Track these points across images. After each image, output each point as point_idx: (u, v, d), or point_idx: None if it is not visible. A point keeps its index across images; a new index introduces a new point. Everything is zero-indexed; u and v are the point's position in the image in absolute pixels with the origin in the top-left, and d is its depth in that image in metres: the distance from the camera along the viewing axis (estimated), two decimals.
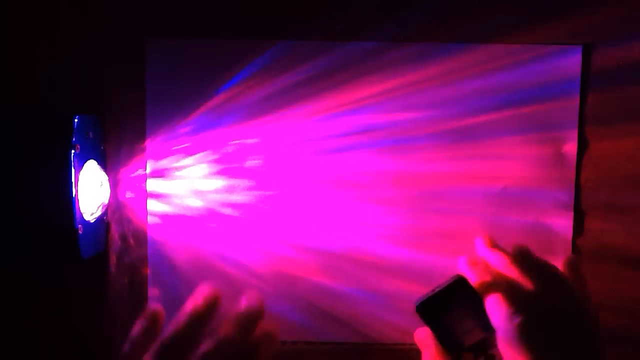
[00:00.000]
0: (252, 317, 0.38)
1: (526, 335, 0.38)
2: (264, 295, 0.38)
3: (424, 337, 0.42)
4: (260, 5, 0.46)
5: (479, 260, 0.42)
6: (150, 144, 0.47)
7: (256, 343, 0.38)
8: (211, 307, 0.38)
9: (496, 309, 0.39)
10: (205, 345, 0.36)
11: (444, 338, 0.41)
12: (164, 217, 0.47)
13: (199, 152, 0.47)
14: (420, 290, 0.47)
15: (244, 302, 0.38)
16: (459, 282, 0.41)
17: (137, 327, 0.38)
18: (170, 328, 0.37)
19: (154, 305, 0.39)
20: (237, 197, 0.47)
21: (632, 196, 0.47)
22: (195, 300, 0.38)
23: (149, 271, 0.47)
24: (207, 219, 0.47)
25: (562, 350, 0.38)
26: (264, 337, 0.38)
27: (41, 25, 0.46)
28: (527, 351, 0.38)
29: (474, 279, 0.41)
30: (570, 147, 0.46)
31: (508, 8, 0.46)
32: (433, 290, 0.41)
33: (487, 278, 0.40)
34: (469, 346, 0.41)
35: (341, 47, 0.46)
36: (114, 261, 0.48)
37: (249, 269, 0.47)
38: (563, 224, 0.47)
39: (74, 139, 0.41)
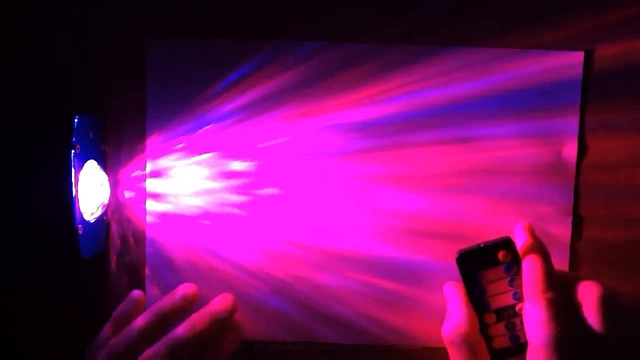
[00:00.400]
0: (226, 315, 0.42)
1: (553, 311, 0.38)
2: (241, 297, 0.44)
3: (452, 290, 0.43)
4: (262, 5, 0.46)
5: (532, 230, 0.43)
6: (150, 144, 0.47)
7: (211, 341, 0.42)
8: (188, 302, 0.43)
9: (532, 276, 0.40)
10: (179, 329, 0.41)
11: (473, 295, 0.42)
12: (163, 217, 0.47)
13: (198, 152, 0.47)
14: (420, 291, 0.47)
15: (219, 301, 0.43)
16: (506, 242, 0.42)
17: (118, 311, 0.43)
18: (145, 315, 0.42)
19: (137, 292, 0.44)
20: (237, 198, 0.47)
21: (631, 202, 0.47)
22: (174, 293, 0.43)
23: (147, 271, 0.48)
24: (207, 219, 0.47)
25: (586, 338, 0.38)
26: (224, 334, 0.43)
27: (41, 25, 0.46)
28: (551, 327, 0.38)
29: (524, 240, 0.41)
30: (570, 153, 0.46)
31: (509, 12, 0.46)
32: (478, 245, 0.42)
33: (537, 246, 0.41)
34: (495, 309, 0.42)
35: (343, 48, 0.46)
36: (113, 261, 0.48)
37: (248, 269, 0.47)
38: (562, 229, 0.47)
39: (74, 139, 0.41)
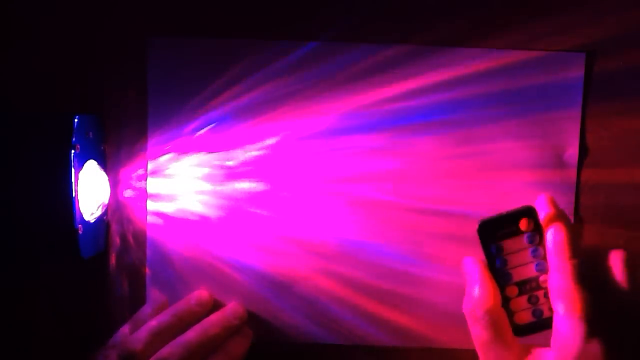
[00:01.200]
0: (236, 320, 0.45)
1: (579, 278, 0.37)
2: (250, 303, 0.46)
3: (472, 264, 0.41)
4: (263, 4, 0.46)
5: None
6: (150, 143, 0.47)
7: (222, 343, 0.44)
8: (203, 308, 0.46)
9: (556, 243, 0.39)
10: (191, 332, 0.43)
11: (494, 267, 0.41)
12: (163, 217, 0.47)
13: (199, 152, 0.47)
14: (421, 291, 0.47)
15: (230, 307, 0.46)
16: (528, 211, 0.40)
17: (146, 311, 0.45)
18: (161, 317, 0.44)
19: (160, 295, 0.47)
20: (238, 197, 0.47)
21: (632, 202, 0.47)
22: (189, 298, 0.46)
23: (147, 271, 0.48)
24: (207, 218, 0.47)
25: (612, 310, 0.37)
26: (234, 339, 0.45)
27: (41, 24, 0.46)
28: (577, 295, 0.37)
29: (547, 210, 0.40)
30: (572, 154, 0.46)
31: (511, 12, 0.46)
32: (500, 213, 0.40)
33: (560, 215, 0.40)
34: (517, 281, 0.41)
35: (343, 48, 0.46)
36: (113, 261, 0.48)
37: (249, 270, 0.47)
38: None
39: (74, 139, 0.41)
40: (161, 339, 0.42)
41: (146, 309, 0.46)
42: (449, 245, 0.47)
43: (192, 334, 0.43)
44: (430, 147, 0.47)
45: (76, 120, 0.41)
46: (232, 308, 0.46)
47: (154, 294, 0.47)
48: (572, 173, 0.47)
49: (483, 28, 0.46)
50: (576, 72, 0.46)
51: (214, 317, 0.45)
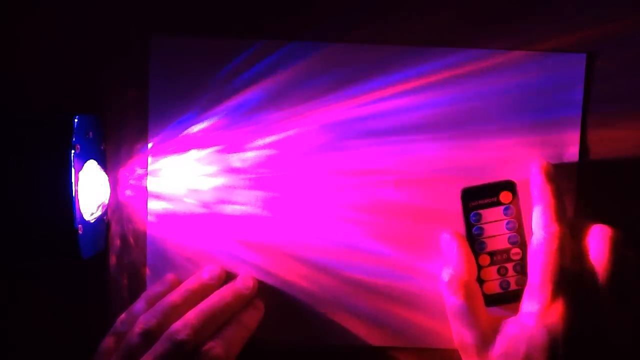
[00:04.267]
0: (248, 292, 0.45)
1: (557, 244, 0.39)
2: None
3: (450, 238, 0.44)
4: (265, 4, 0.46)
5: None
6: (151, 143, 0.47)
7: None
8: (215, 282, 0.45)
9: (540, 210, 0.41)
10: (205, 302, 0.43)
11: (471, 234, 0.44)
12: (164, 216, 0.47)
13: (199, 152, 0.47)
14: (422, 292, 0.47)
15: (240, 280, 0.45)
16: (509, 185, 0.43)
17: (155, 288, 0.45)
18: (175, 293, 0.43)
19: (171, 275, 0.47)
20: (238, 197, 0.47)
21: (633, 203, 0.47)
22: (201, 274, 0.46)
23: (148, 271, 0.48)
24: (208, 218, 0.47)
25: (589, 277, 0.39)
26: (246, 310, 0.45)
27: (41, 24, 0.46)
28: (550, 260, 0.38)
29: (539, 180, 0.42)
30: (572, 154, 0.46)
31: (511, 13, 0.46)
32: (483, 183, 0.44)
33: (551, 184, 0.42)
34: (490, 251, 0.44)
35: (346, 48, 0.46)
36: (113, 261, 0.48)
37: (249, 269, 0.47)
38: None
39: (74, 139, 0.41)
40: (177, 313, 0.42)
41: (157, 287, 0.45)
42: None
43: (206, 304, 0.42)
44: (430, 147, 0.47)
45: (76, 120, 0.41)
46: (242, 279, 0.46)
47: (166, 275, 0.47)
48: (572, 173, 0.46)
49: (484, 28, 0.46)
50: (577, 73, 0.46)
51: (226, 288, 0.44)
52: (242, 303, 0.44)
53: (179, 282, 0.46)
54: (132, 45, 0.46)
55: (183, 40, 0.46)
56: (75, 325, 0.47)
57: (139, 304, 0.44)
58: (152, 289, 0.45)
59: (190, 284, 0.44)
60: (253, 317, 0.45)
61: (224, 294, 0.44)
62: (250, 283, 0.45)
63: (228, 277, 0.47)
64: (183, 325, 0.40)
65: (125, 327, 0.42)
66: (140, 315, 0.42)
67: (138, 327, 0.41)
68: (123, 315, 0.43)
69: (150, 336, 0.40)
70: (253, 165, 0.47)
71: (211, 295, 0.43)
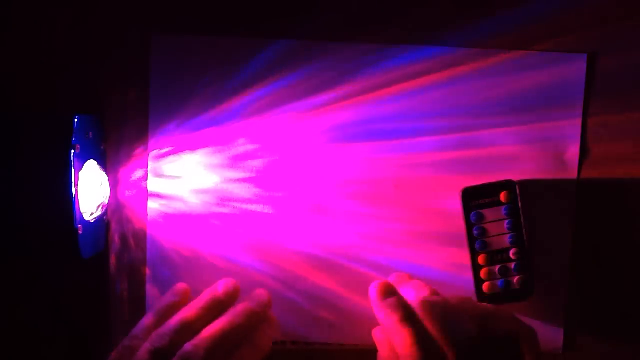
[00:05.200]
0: (262, 309, 0.43)
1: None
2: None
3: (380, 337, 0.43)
4: (266, 3, 0.46)
5: (392, 291, 0.42)
6: (151, 143, 0.47)
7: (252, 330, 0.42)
8: (229, 297, 0.43)
9: (404, 352, 0.38)
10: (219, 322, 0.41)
11: (471, 234, 0.44)
12: (164, 216, 0.47)
13: (200, 152, 0.47)
14: None
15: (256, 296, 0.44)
16: (509, 185, 0.44)
17: (167, 299, 0.44)
18: (189, 308, 0.42)
19: (182, 285, 0.45)
20: (239, 197, 0.47)
21: (633, 203, 0.47)
22: (215, 288, 0.44)
23: (148, 271, 0.47)
24: (208, 218, 0.47)
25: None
26: (260, 329, 0.43)
27: (41, 23, 0.46)
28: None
29: (383, 317, 0.41)
30: (573, 155, 0.46)
31: (512, 14, 0.46)
32: (483, 183, 0.44)
33: (396, 316, 0.40)
34: (490, 251, 0.44)
35: (347, 48, 0.46)
36: (113, 261, 0.48)
37: (250, 269, 0.47)
38: (563, 230, 0.47)
39: (74, 139, 0.41)
40: (190, 331, 0.40)
41: (168, 298, 0.44)
42: (449, 245, 0.47)
43: (219, 325, 0.41)
44: (430, 147, 0.47)
45: (76, 120, 0.41)
46: (257, 296, 0.44)
47: (177, 285, 0.46)
48: (573, 173, 0.46)
49: (484, 28, 0.46)
50: (577, 73, 0.46)
51: (241, 307, 0.42)
52: (257, 322, 0.43)
53: (189, 292, 0.45)
54: (132, 45, 0.46)
55: (184, 40, 0.46)
56: (75, 325, 0.47)
57: (150, 318, 0.42)
58: (163, 300, 0.44)
59: (204, 299, 0.43)
60: (267, 337, 0.43)
61: (238, 313, 0.42)
62: (265, 299, 0.44)
63: (242, 290, 0.45)
64: (195, 347, 0.39)
65: (135, 343, 0.41)
66: (151, 331, 0.41)
67: (150, 344, 0.39)
68: (134, 330, 0.42)
69: (161, 355, 0.39)
70: (253, 165, 0.47)
71: (225, 315, 0.42)
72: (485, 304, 0.42)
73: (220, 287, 0.44)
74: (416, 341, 0.38)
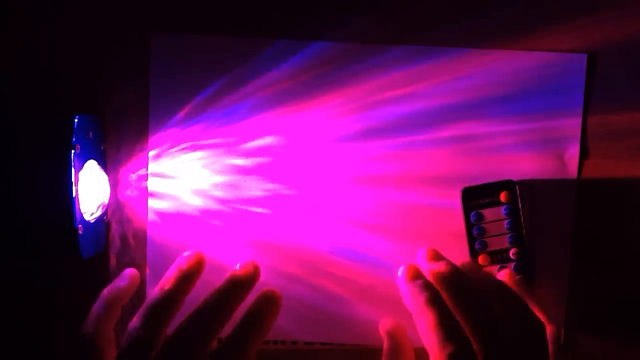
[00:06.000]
0: (249, 279, 0.42)
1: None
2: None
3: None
4: (266, 3, 0.46)
5: (419, 275, 0.42)
6: (151, 142, 0.47)
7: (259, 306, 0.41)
8: (197, 269, 0.43)
9: (427, 334, 0.38)
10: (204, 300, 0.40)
11: (471, 234, 0.44)
12: (164, 216, 0.47)
13: (200, 152, 0.47)
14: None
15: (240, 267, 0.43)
16: (509, 185, 0.44)
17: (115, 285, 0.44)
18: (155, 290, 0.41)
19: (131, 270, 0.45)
20: (238, 197, 0.47)
21: (633, 203, 0.47)
22: (180, 264, 0.43)
23: (148, 271, 0.48)
24: (208, 218, 0.47)
25: None
26: (264, 300, 0.42)
27: (41, 22, 0.46)
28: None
29: (409, 299, 0.41)
30: (572, 155, 0.46)
31: (512, 13, 0.46)
32: (483, 183, 0.44)
33: (422, 298, 0.40)
34: (490, 251, 0.44)
35: (347, 48, 0.46)
36: (113, 261, 0.48)
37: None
38: (563, 230, 0.47)
39: (74, 139, 0.41)
40: (166, 316, 0.40)
41: (117, 282, 0.44)
42: (450, 245, 0.47)
43: (201, 304, 0.40)
44: (430, 146, 0.47)
45: (76, 120, 0.41)
46: (242, 267, 0.43)
47: (127, 271, 0.44)
48: (573, 173, 0.46)
49: (484, 28, 0.46)
50: (577, 73, 0.46)
51: (223, 282, 0.41)
52: (245, 295, 0.41)
53: (137, 277, 0.44)
54: (132, 44, 0.46)
55: (184, 39, 0.46)
56: (75, 325, 0.47)
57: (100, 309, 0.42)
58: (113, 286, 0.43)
59: (170, 278, 0.42)
60: (264, 315, 0.41)
61: (221, 287, 0.41)
62: (251, 269, 0.42)
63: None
64: (178, 332, 0.38)
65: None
66: (100, 321, 0.41)
67: (127, 338, 0.39)
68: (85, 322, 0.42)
69: (144, 345, 0.38)
70: (253, 165, 0.47)
71: (210, 293, 0.41)
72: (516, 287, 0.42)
73: (184, 261, 0.43)
74: (440, 323, 0.38)
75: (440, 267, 0.41)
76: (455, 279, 0.40)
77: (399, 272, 0.43)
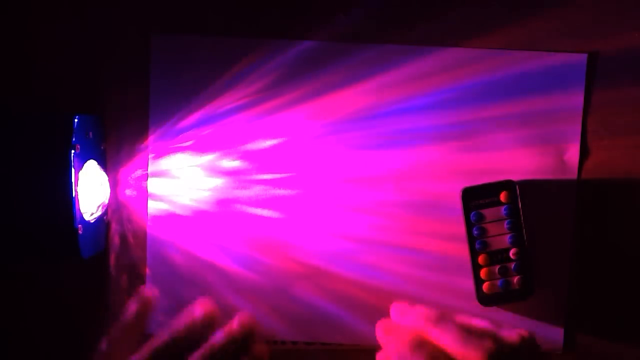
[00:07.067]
0: (245, 335, 0.38)
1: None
2: (257, 316, 0.40)
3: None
4: (267, 3, 0.46)
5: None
6: (151, 143, 0.47)
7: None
8: (208, 321, 0.39)
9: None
10: (198, 354, 0.36)
11: (471, 234, 0.44)
12: (164, 216, 0.47)
13: (200, 151, 0.47)
14: (422, 291, 0.47)
15: (237, 320, 0.39)
16: (509, 185, 0.44)
17: (130, 310, 0.39)
18: (165, 333, 0.37)
19: (148, 289, 0.41)
20: (238, 198, 0.47)
21: (633, 203, 0.47)
22: (193, 311, 0.39)
23: (148, 271, 0.48)
24: (208, 218, 0.47)
25: None
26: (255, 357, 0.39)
27: (41, 22, 0.46)
28: None
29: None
30: (573, 154, 0.46)
31: (512, 14, 0.46)
32: (483, 183, 0.44)
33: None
34: (490, 251, 0.44)
35: (346, 48, 0.46)
36: (113, 261, 0.48)
37: (250, 269, 0.47)
38: (564, 230, 0.47)
39: (74, 139, 0.41)
40: None
41: (131, 307, 0.39)
42: (450, 244, 0.47)
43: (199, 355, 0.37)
44: (430, 146, 0.47)
45: (76, 120, 0.41)
46: (238, 322, 0.39)
47: (144, 289, 0.41)
48: (573, 173, 0.46)
49: (484, 28, 0.46)
50: (578, 73, 0.46)
51: (219, 336, 0.38)
52: (239, 351, 0.38)
53: (151, 301, 0.40)
54: (132, 45, 0.46)
55: (183, 39, 0.46)
56: (75, 325, 0.47)
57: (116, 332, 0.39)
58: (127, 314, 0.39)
59: (180, 325, 0.38)
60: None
61: (217, 344, 0.37)
62: (247, 324, 0.39)
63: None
64: None
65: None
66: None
67: None
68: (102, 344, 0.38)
69: None
70: (253, 165, 0.47)
71: (204, 347, 0.37)
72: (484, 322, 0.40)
73: (196, 311, 0.39)
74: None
75: (419, 313, 0.39)
76: (439, 322, 0.38)
77: (376, 331, 0.40)
